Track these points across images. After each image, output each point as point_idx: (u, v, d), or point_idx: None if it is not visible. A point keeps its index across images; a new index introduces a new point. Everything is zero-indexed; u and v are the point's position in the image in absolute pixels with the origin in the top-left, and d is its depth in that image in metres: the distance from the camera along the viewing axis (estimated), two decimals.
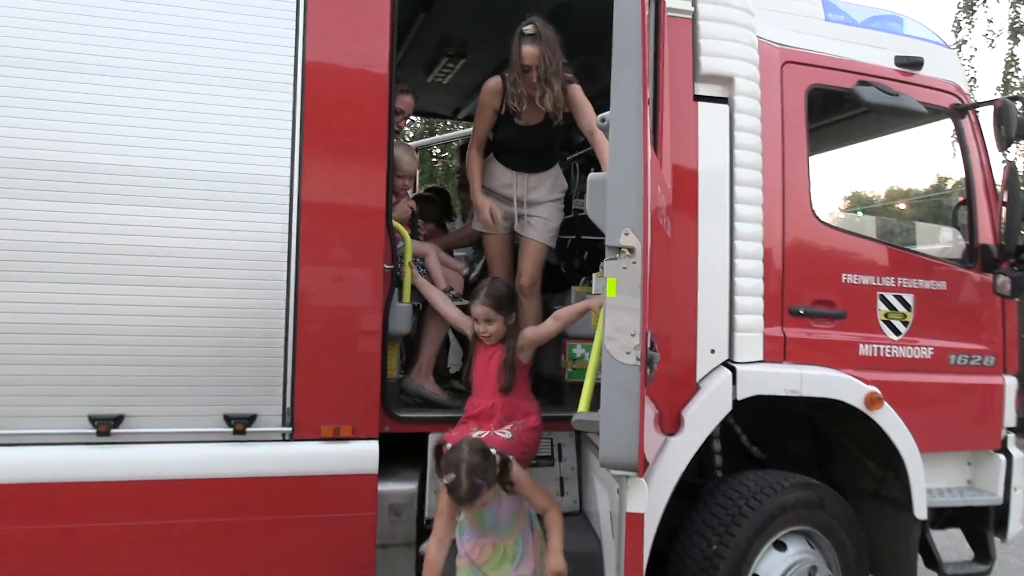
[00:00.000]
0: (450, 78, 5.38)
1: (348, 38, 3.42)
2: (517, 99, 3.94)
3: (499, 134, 4.15)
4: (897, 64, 4.41)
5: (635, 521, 2.84)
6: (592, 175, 2.92)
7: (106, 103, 3.13)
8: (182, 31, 3.22)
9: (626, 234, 2.68)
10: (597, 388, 2.93)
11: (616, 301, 2.69)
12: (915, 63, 4.44)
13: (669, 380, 3.57)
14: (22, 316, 3.02)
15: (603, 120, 2.81)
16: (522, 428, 3.64)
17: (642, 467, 2.69)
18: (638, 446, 2.64)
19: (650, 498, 3.13)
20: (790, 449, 4.54)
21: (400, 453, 3.67)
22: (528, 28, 3.83)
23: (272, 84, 3.31)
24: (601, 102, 3.79)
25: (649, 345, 2.75)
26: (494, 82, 4.04)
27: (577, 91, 3.96)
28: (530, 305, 4.14)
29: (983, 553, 4.47)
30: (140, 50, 3.18)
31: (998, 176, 4.49)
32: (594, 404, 2.91)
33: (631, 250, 2.68)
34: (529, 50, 3.82)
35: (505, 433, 3.55)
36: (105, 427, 3.09)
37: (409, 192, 4.45)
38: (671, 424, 3.63)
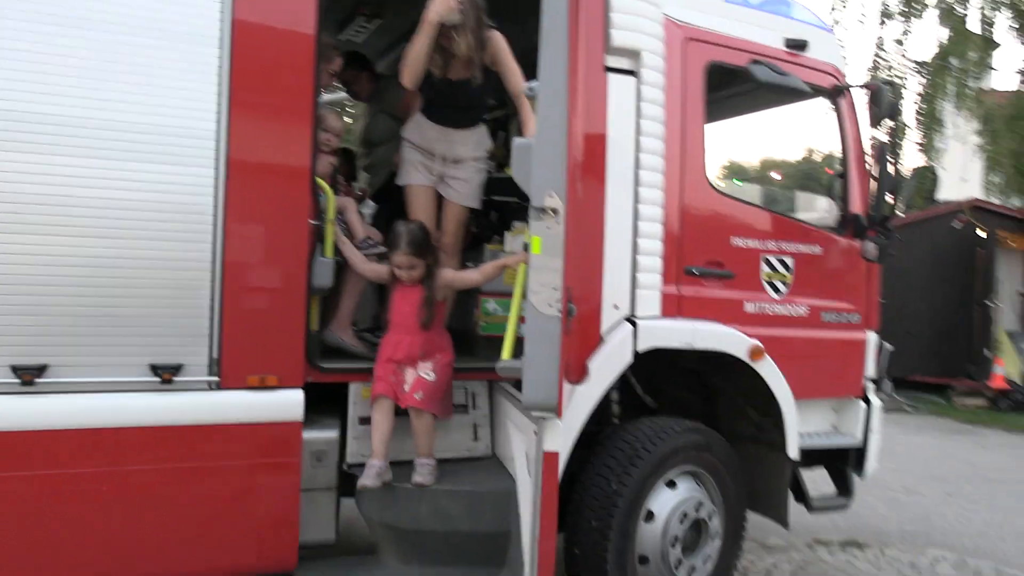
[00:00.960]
0: (364, 38, 5.41)
1: None
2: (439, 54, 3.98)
3: (425, 88, 4.15)
4: (786, 45, 4.77)
5: (551, 459, 3.12)
6: (517, 140, 3.11)
7: (35, 51, 3.08)
8: None
9: (550, 196, 2.91)
10: (517, 339, 3.16)
11: (540, 258, 2.92)
12: (801, 45, 4.80)
13: (576, 333, 3.83)
14: None
15: (531, 89, 3.01)
16: (440, 364, 3.84)
17: (561, 409, 2.95)
18: (558, 390, 2.89)
19: None
20: (678, 398, 4.92)
21: (319, 402, 3.79)
22: None
23: (200, 38, 3.32)
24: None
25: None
26: None
27: (503, 52, 4.04)
28: (451, 264, 4.26)
29: (844, 489, 5.02)
30: (74, 1, 3.13)
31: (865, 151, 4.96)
32: (515, 353, 3.14)
33: (555, 211, 2.91)
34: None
35: (428, 374, 3.76)
36: (29, 376, 3.09)
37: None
38: (577, 374, 3.89)
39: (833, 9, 16.59)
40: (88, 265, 3.17)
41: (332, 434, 3.71)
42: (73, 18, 3.14)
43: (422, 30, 3.92)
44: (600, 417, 4.42)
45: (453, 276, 4.01)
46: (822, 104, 5.03)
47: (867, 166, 4.95)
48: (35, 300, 3.11)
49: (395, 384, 3.76)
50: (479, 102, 4.36)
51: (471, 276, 4.00)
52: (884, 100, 4.62)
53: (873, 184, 4.80)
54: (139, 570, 3.31)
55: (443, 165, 4.24)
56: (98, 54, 3.18)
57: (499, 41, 4.05)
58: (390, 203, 4.97)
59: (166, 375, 3.28)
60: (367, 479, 3.59)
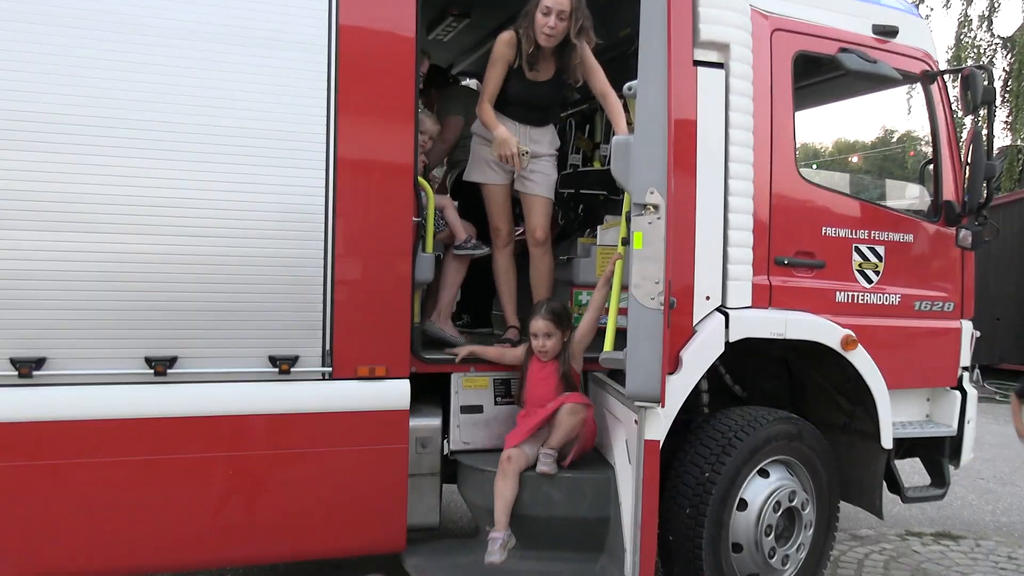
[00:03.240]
0: (451, 36, 5.55)
1: (377, 3, 3.61)
2: (530, 55, 4.09)
3: (507, 88, 4.23)
4: (874, 32, 4.72)
5: (652, 447, 3.21)
6: (617, 138, 3.20)
7: (163, 64, 3.30)
8: None
9: (651, 192, 3.00)
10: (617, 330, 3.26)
11: (642, 252, 3.01)
12: (890, 31, 4.75)
13: (670, 324, 3.91)
14: (87, 265, 3.22)
15: (630, 88, 3.09)
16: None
17: (664, 399, 3.04)
18: (661, 381, 2.98)
19: None
20: (766, 388, 4.94)
21: (422, 391, 3.94)
22: None
23: (309, 46, 3.49)
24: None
25: None
26: (508, 35, 4.14)
27: (588, 53, 4.15)
28: (546, 258, 4.37)
29: (939, 479, 4.97)
30: (194, 15, 3.35)
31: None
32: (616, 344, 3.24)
33: (656, 207, 2.99)
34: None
35: None
36: (162, 367, 3.32)
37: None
38: (671, 364, 3.96)
39: None
40: (211, 263, 3.39)
41: (435, 422, 3.87)
42: (198, 32, 3.36)
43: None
44: (689, 406, 4.50)
45: (581, 335, 4.02)
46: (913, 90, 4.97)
47: (960, 152, 4.87)
48: (164, 296, 3.34)
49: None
50: (557, 101, 4.48)
51: (588, 320, 3.98)
52: (979, 86, 4.54)
53: (967, 171, 4.72)
54: (261, 549, 3.54)
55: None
56: (217, 64, 3.38)
57: (584, 45, 4.14)
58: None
59: (284, 366, 3.48)
60: (493, 555, 3.65)
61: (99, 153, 3.23)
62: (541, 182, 4.37)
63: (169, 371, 3.35)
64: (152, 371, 3.32)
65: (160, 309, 3.34)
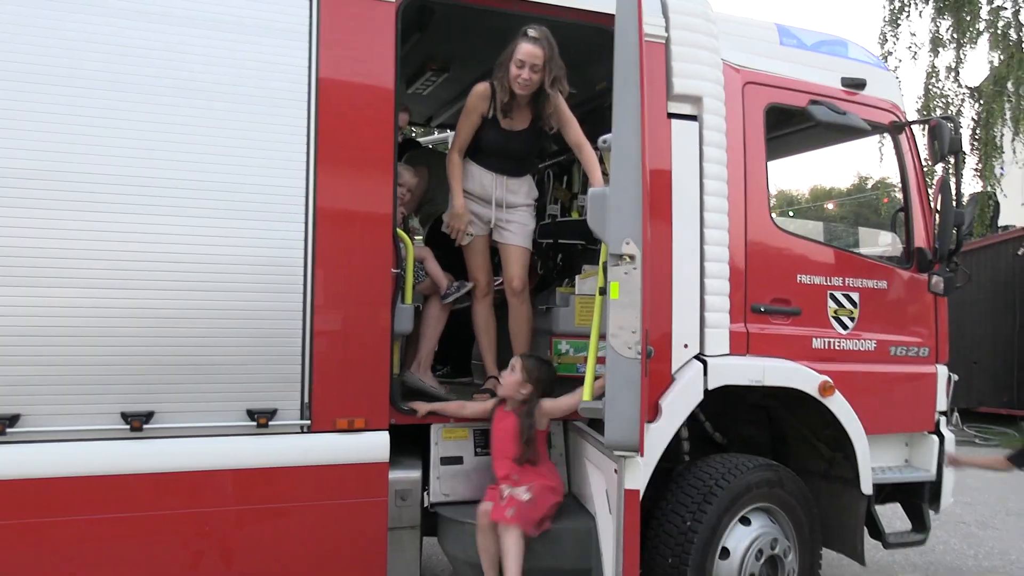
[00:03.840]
0: (430, 90, 5.64)
1: (357, 58, 3.67)
2: (505, 104, 4.14)
3: (483, 138, 4.28)
4: (843, 84, 4.86)
5: (633, 496, 3.22)
6: (593, 190, 3.26)
7: (141, 119, 3.34)
8: (210, 53, 3.45)
9: (627, 243, 3.04)
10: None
11: (619, 302, 3.05)
12: (858, 84, 4.89)
13: (648, 372, 3.93)
14: (62, 320, 3.21)
15: (604, 142, 3.15)
16: (540, 487, 3.83)
17: (643, 448, 3.05)
18: (639, 430, 2.99)
19: None
20: (745, 435, 4.95)
21: (401, 443, 3.91)
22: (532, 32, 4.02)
23: (289, 100, 3.54)
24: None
25: None
26: (483, 87, 4.20)
27: (562, 104, 4.22)
28: (524, 308, 4.38)
29: (920, 524, 4.98)
30: (174, 71, 3.40)
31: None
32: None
33: (632, 257, 3.04)
34: (532, 49, 3.99)
35: (523, 495, 3.74)
36: (138, 423, 3.29)
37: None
38: (650, 412, 3.98)
39: (885, 41, 16.61)
40: (189, 317, 3.38)
41: (415, 474, 3.84)
42: (177, 87, 3.40)
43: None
44: (670, 454, 4.50)
45: (552, 406, 3.97)
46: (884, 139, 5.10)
47: (930, 200, 4.98)
48: (141, 351, 3.32)
49: (496, 499, 3.81)
50: (533, 151, 4.55)
51: (567, 402, 3.93)
52: (945, 136, 4.65)
53: (936, 218, 4.82)
54: None
55: (499, 211, 4.36)
56: (196, 119, 3.42)
57: (558, 95, 4.21)
58: None
59: (262, 420, 3.45)
60: None
61: (75, 208, 3.24)
62: (518, 232, 4.41)
63: (146, 426, 3.31)
64: (128, 426, 3.29)
65: (136, 363, 3.31)
